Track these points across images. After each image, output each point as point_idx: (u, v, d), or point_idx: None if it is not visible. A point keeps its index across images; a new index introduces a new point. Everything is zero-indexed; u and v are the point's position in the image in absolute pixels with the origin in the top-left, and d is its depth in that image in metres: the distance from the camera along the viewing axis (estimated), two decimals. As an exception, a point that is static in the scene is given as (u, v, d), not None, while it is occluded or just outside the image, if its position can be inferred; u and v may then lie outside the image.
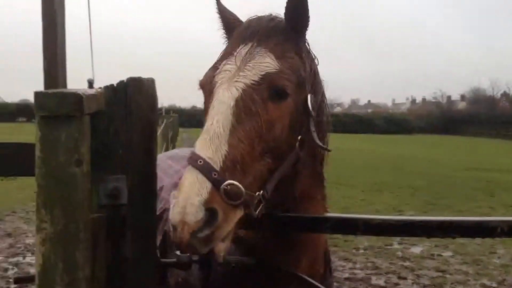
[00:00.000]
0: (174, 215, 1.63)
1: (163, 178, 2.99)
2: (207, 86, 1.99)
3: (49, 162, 1.75)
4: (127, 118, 2.00)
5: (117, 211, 1.98)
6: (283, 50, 1.98)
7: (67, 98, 1.74)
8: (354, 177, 17.35)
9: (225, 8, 2.23)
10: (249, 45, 1.98)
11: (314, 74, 2.10)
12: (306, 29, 2.10)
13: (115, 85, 2.05)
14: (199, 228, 1.60)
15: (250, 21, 2.11)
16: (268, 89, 1.88)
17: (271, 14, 2.10)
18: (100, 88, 2.09)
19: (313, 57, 2.15)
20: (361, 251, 8.52)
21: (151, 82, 2.07)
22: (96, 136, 1.95)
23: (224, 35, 2.23)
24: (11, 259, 7.63)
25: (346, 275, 7.56)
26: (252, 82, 1.87)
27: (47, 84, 2.47)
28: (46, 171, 1.75)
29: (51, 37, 2.34)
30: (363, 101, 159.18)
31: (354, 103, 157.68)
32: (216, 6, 2.23)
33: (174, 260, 2.11)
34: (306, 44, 2.13)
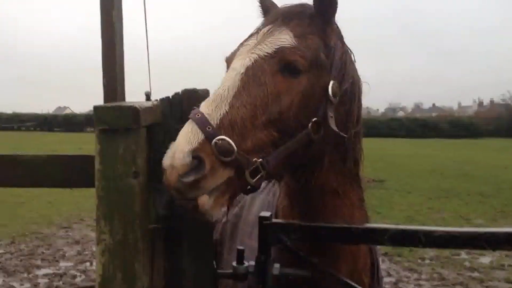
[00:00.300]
0: (165, 160, 1.66)
1: None
2: (230, 60, 2.04)
3: (108, 174, 1.79)
4: (183, 130, 2.01)
5: (174, 222, 2.00)
6: (304, 31, 2.00)
7: (124, 111, 1.78)
8: (419, 184, 16.82)
9: None
10: (273, 24, 2.03)
11: (343, 63, 2.08)
12: (333, 15, 2.10)
13: (170, 97, 2.08)
14: (185, 172, 1.62)
15: (281, 7, 2.17)
16: (279, 62, 1.89)
17: (302, 3, 2.12)
18: (156, 100, 2.13)
19: (346, 48, 2.15)
20: (427, 261, 8.22)
21: (206, 93, 2.08)
22: (153, 148, 1.98)
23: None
24: (79, 266, 7.90)
25: (411, 286, 7.31)
26: (266, 54, 1.91)
27: (107, 97, 2.54)
28: (105, 183, 1.79)
29: (110, 55, 2.42)
30: (427, 105, 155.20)
31: (417, 107, 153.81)
32: None
33: (231, 271, 2.11)
34: (337, 33, 2.13)
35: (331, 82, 1.97)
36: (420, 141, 45.76)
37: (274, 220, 2.20)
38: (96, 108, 1.79)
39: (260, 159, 1.78)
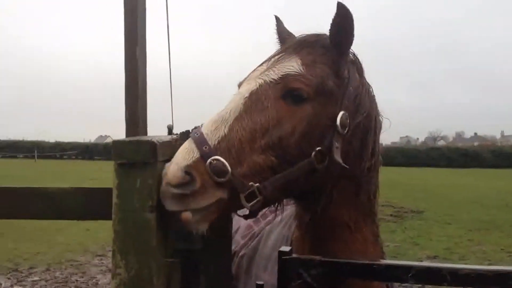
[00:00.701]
0: (163, 171, 1.73)
1: (240, 219, 3.00)
2: (240, 85, 2.07)
3: (124, 208, 1.80)
4: (202, 163, 2.02)
5: (191, 255, 2.00)
6: (314, 59, 2.00)
7: (142, 146, 1.79)
8: (459, 215, 16.32)
9: (283, 27, 2.33)
10: (284, 52, 2.05)
11: (358, 95, 2.05)
12: (349, 47, 2.08)
13: (190, 131, 2.09)
14: (175, 184, 1.67)
15: (297, 36, 2.19)
16: (283, 88, 1.91)
17: (318, 33, 2.13)
18: (176, 134, 2.15)
19: (363, 81, 2.13)
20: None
21: (226, 126, 2.09)
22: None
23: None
24: (113, 294, 7.94)
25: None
26: (271, 80, 1.93)
27: (128, 132, 2.58)
28: (122, 217, 1.80)
29: (132, 90, 2.47)
30: (468, 134, 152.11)
31: (458, 136, 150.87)
32: (275, 25, 2.34)
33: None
34: (354, 65, 2.12)
35: (341, 113, 1.95)
36: (461, 171, 44.68)
37: (294, 255, 2.16)
38: (114, 142, 1.82)
39: (257, 184, 1.78)
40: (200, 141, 1.75)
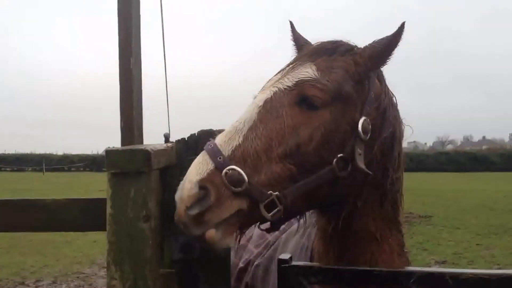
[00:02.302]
0: (176, 193, 1.67)
1: (253, 228, 2.96)
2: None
3: (118, 219, 1.78)
4: (199, 171, 1.99)
5: (189, 266, 1.97)
6: (331, 66, 1.96)
7: (135, 155, 1.78)
8: (467, 219, 16.17)
9: (299, 34, 2.29)
10: (300, 60, 2.01)
11: (381, 103, 2.01)
12: (381, 66, 2.06)
13: (186, 138, 2.07)
14: (191, 204, 1.61)
15: (315, 44, 2.14)
16: (297, 95, 1.86)
17: (335, 40, 2.09)
18: (172, 142, 2.12)
19: (386, 89, 2.09)
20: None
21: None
22: (169, 190, 1.96)
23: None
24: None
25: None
26: (286, 87, 1.89)
27: (124, 141, 2.57)
28: (116, 227, 1.78)
29: (127, 100, 2.47)
30: (477, 137, 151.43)
31: (467, 139, 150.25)
32: (290, 31, 2.30)
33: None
34: (376, 73, 2.07)
35: (362, 119, 1.91)
36: (470, 175, 44.43)
37: (293, 262, 2.12)
38: (107, 152, 1.80)
39: (276, 193, 1.73)
40: (214, 152, 1.71)
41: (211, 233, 1.65)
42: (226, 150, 1.72)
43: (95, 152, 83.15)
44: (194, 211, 1.61)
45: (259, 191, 1.71)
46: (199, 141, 2.04)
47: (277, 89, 1.89)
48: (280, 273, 2.08)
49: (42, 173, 54.44)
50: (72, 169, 65.94)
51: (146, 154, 1.77)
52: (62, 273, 9.86)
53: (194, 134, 2.07)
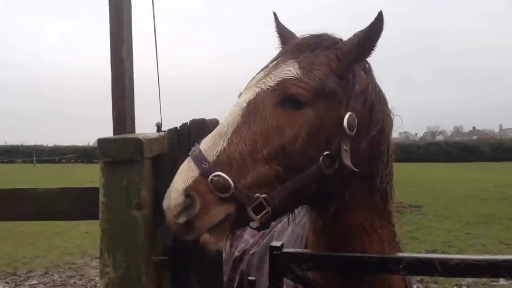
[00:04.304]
0: (164, 201, 1.68)
1: None
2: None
3: (111, 207, 1.79)
4: (191, 160, 2.00)
5: (182, 254, 1.98)
6: (313, 62, 1.93)
7: (128, 143, 1.78)
8: (458, 209, 16.29)
9: (283, 26, 2.25)
10: (283, 57, 1.99)
11: (368, 97, 2.00)
12: (366, 57, 2.04)
13: (178, 127, 2.08)
14: (179, 213, 1.63)
15: (299, 38, 2.12)
16: (280, 95, 1.85)
17: (319, 33, 2.06)
18: (164, 131, 2.13)
19: (374, 83, 2.07)
20: (464, 287, 7.93)
21: (215, 123, 2.07)
22: (161, 178, 1.97)
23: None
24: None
25: (449, 314, 7.04)
26: (268, 87, 1.87)
27: (116, 131, 2.57)
28: (109, 215, 1.79)
29: (119, 89, 2.46)
30: (467, 128, 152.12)
31: (457, 130, 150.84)
32: (274, 23, 2.25)
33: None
34: (362, 66, 2.06)
35: (348, 114, 1.89)
36: (460, 165, 44.65)
37: (284, 249, 2.15)
38: (100, 140, 1.80)
39: (264, 195, 1.74)
40: (199, 159, 1.71)
41: (205, 237, 1.68)
42: (210, 156, 1.73)
43: (86, 143, 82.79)
44: (182, 220, 1.63)
45: (246, 195, 1.71)
46: (191, 130, 2.05)
47: (259, 89, 1.88)
48: (272, 260, 2.11)
49: (32, 165, 54.10)
50: (63, 160, 65.65)
51: (139, 143, 1.78)
52: (54, 264, 9.87)
53: (186, 123, 2.08)
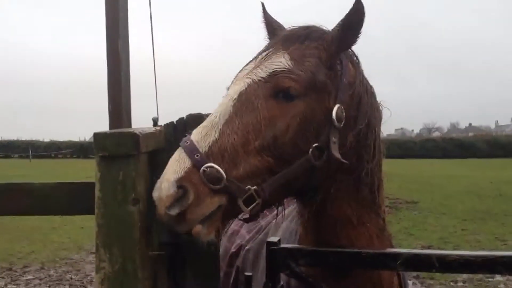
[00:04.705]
0: (154, 192, 1.66)
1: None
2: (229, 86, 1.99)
3: (107, 202, 1.78)
4: (187, 155, 1.99)
5: (178, 249, 1.97)
6: (303, 54, 1.93)
7: (124, 138, 1.77)
8: (454, 205, 16.31)
9: (271, 17, 2.24)
10: (272, 48, 1.98)
11: (355, 88, 2.00)
12: (352, 46, 2.04)
13: (175, 122, 2.07)
14: (171, 203, 1.61)
15: (287, 29, 2.11)
16: (272, 87, 1.84)
17: (307, 25, 2.06)
18: (161, 126, 2.12)
19: (361, 76, 2.07)
20: (460, 284, 7.89)
21: (212, 118, 2.06)
22: (157, 173, 1.96)
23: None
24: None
25: (445, 310, 7.06)
26: (259, 78, 1.86)
27: (112, 124, 2.56)
28: (105, 210, 1.78)
29: (115, 83, 2.45)
30: (463, 124, 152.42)
31: (453, 126, 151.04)
32: (262, 15, 2.24)
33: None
34: (349, 58, 2.06)
35: (336, 106, 1.90)
36: (456, 162, 44.74)
37: (282, 245, 2.14)
38: (95, 135, 1.79)
39: (254, 187, 1.74)
40: (191, 149, 1.69)
41: (198, 228, 1.68)
42: (203, 147, 1.71)
43: (82, 139, 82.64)
44: (174, 211, 1.62)
45: (237, 187, 1.71)
46: (188, 125, 2.04)
47: (251, 80, 1.87)
48: (268, 255, 2.10)
49: (28, 160, 53.97)
50: (59, 156, 65.48)
51: (135, 137, 1.77)
52: (49, 259, 9.87)
53: (183, 118, 2.07)
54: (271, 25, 2.22)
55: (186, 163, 1.67)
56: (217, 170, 1.67)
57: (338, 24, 2.00)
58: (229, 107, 1.81)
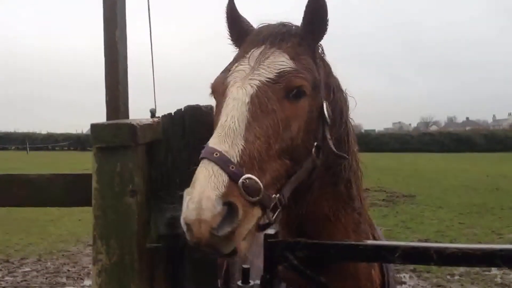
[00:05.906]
0: (189, 213, 1.45)
1: None
2: (219, 87, 1.87)
3: (105, 193, 1.77)
4: (185, 147, 1.98)
5: (176, 241, 1.96)
6: (297, 52, 1.89)
7: (121, 129, 1.75)
8: (451, 199, 16.40)
9: (237, 11, 2.12)
10: (262, 47, 1.91)
11: (329, 81, 2.00)
12: (324, 34, 2.00)
13: (172, 113, 2.05)
14: (218, 224, 1.45)
15: (261, 27, 2.04)
16: (285, 88, 1.78)
17: (282, 22, 2.02)
18: (158, 117, 2.10)
19: (328, 67, 2.07)
20: (456, 277, 7.92)
21: (209, 110, 2.04)
22: (155, 165, 1.95)
23: (234, 41, 2.14)
24: None
25: (441, 303, 7.09)
26: (268, 79, 1.78)
27: (109, 116, 2.54)
28: (102, 202, 1.77)
29: (112, 73, 2.42)
30: (460, 118, 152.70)
31: (451, 120, 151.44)
32: (227, 11, 2.11)
33: (235, 292, 2.05)
34: (320, 50, 2.05)
35: (325, 103, 1.90)
36: (453, 156, 44.88)
37: (280, 238, 2.13)
38: (93, 126, 1.77)
39: (278, 195, 1.68)
40: (224, 161, 1.54)
41: (242, 246, 1.57)
42: (234, 156, 1.58)
43: (79, 131, 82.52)
44: (224, 231, 1.46)
45: (267, 196, 1.62)
46: (185, 116, 2.02)
47: (258, 82, 1.79)
48: (266, 247, 2.09)
49: (26, 152, 53.87)
50: (56, 148, 65.42)
51: (132, 129, 1.75)
52: (47, 251, 9.87)
53: (181, 109, 2.05)
54: (237, 20, 2.12)
55: (223, 176, 1.52)
56: (256, 181, 1.55)
57: (303, 18, 1.97)
58: (245, 112, 1.70)
